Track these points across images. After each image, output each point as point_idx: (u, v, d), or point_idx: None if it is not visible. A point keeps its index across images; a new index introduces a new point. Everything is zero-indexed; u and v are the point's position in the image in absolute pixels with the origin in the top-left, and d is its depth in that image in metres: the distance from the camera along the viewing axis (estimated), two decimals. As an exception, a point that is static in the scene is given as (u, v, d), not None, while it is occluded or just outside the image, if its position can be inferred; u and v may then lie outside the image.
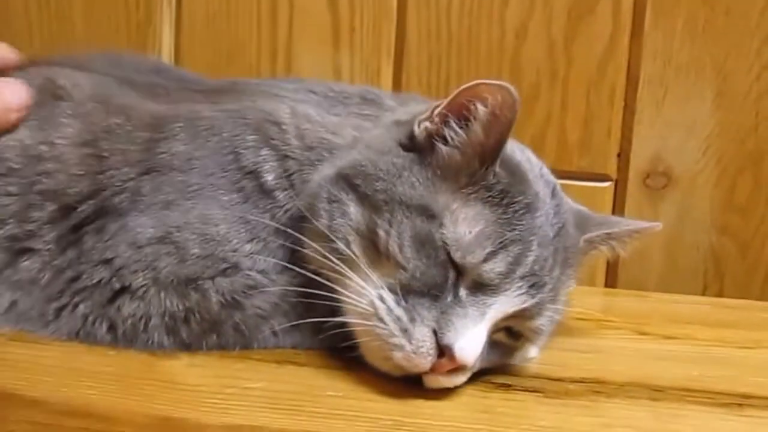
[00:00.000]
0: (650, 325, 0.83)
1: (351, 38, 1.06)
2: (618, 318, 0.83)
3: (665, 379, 0.67)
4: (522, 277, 0.62)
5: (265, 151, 0.70)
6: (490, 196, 0.63)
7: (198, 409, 0.56)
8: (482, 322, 0.61)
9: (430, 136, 0.65)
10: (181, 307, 0.65)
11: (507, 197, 0.63)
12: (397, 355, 0.60)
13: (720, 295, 1.05)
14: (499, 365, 0.66)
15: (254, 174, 0.69)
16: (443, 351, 0.59)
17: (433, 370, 0.60)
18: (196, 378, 0.62)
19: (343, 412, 0.57)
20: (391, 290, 0.61)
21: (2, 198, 0.69)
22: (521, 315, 0.64)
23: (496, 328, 0.63)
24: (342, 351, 0.65)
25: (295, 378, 0.63)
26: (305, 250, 0.66)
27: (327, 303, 0.64)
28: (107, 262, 0.66)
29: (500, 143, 0.63)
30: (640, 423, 0.59)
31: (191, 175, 0.68)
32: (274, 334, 0.67)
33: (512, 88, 0.61)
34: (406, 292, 0.61)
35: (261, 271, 0.67)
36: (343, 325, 0.63)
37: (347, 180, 0.65)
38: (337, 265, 0.63)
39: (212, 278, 0.65)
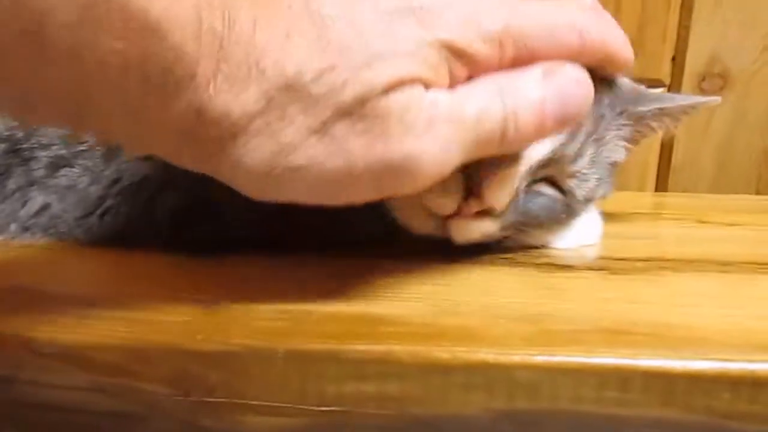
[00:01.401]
0: (710, 215, 0.80)
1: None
2: (675, 210, 0.80)
3: (733, 255, 0.64)
4: None
5: None
6: None
7: (248, 296, 0.54)
8: (516, 164, 0.57)
9: None
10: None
11: None
12: (425, 196, 0.57)
13: (774, 200, 1.02)
14: (548, 227, 0.64)
15: None
16: (472, 190, 0.56)
17: (459, 211, 0.57)
18: (245, 270, 0.60)
19: (399, 293, 0.55)
20: None
21: None
22: (560, 159, 0.60)
23: (535, 177, 0.60)
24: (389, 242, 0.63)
25: (346, 268, 0.61)
26: None
27: None
28: (147, 158, 0.64)
29: None
30: (710, 291, 0.57)
31: None
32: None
33: None
34: None
35: None
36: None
37: None
38: None
39: None
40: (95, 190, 0.66)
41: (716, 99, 0.70)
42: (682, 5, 1.00)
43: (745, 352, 0.46)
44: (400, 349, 0.47)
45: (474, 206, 0.57)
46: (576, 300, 0.54)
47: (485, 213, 0.58)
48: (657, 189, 1.04)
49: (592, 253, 0.65)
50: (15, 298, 0.55)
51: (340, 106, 0.45)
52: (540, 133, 0.51)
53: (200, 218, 0.63)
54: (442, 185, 0.56)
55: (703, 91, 1.02)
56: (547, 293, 0.56)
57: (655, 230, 0.73)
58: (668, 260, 0.63)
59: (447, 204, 0.57)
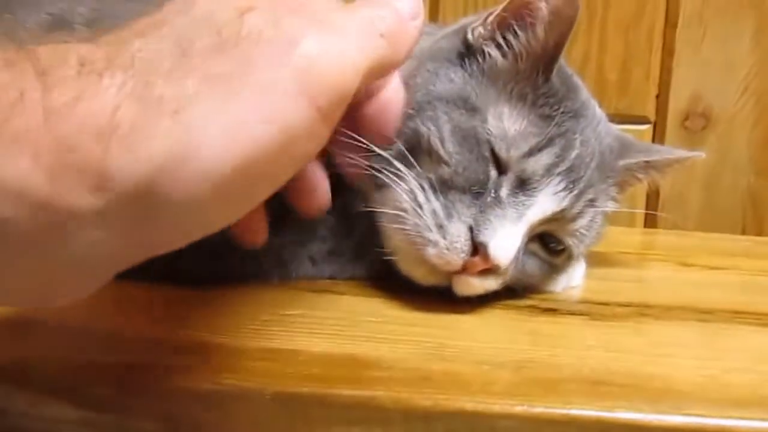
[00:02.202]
0: (694, 257, 0.81)
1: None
2: (660, 251, 0.82)
3: (713, 302, 0.66)
4: (562, 173, 0.61)
5: None
6: (536, 98, 0.62)
7: (235, 334, 0.55)
8: (520, 224, 0.60)
9: (484, 43, 0.64)
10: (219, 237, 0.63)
11: (554, 100, 0.63)
12: (430, 252, 0.58)
13: (759, 236, 1.04)
14: (539, 284, 0.66)
15: None
16: (477, 249, 0.58)
17: (465, 269, 0.58)
18: (234, 306, 0.60)
19: (384, 335, 0.56)
20: (431, 185, 0.59)
21: None
22: (560, 217, 0.63)
23: (534, 234, 0.62)
24: (380, 279, 0.64)
25: (333, 305, 0.61)
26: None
27: (365, 222, 0.63)
28: None
29: (561, 45, 0.62)
30: (689, 341, 0.58)
31: None
32: (312, 261, 0.66)
33: None
34: (446, 188, 0.59)
35: None
36: (381, 250, 0.62)
37: None
38: (373, 170, 0.60)
39: None
40: None
41: (700, 154, 0.73)
42: (664, 47, 1.03)
43: (721, 408, 0.47)
44: (383, 395, 0.48)
45: (480, 264, 0.58)
46: (557, 346, 0.56)
47: (490, 271, 0.59)
48: (646, 224, 1.05)
49: (574, 296, 0.67)
50: (6, 331, 0.55)
51: None
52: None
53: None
54: (449, 242, 0.58)
55: (686, 129, 1.04)
56: (530, 338, 0.57)
57: (638, 272, 0.75)
58: (649, 306, 0.64)
59: (454, 262, 0.58)
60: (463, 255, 0.58)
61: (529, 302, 0.64)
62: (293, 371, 0.50)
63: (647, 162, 0.71)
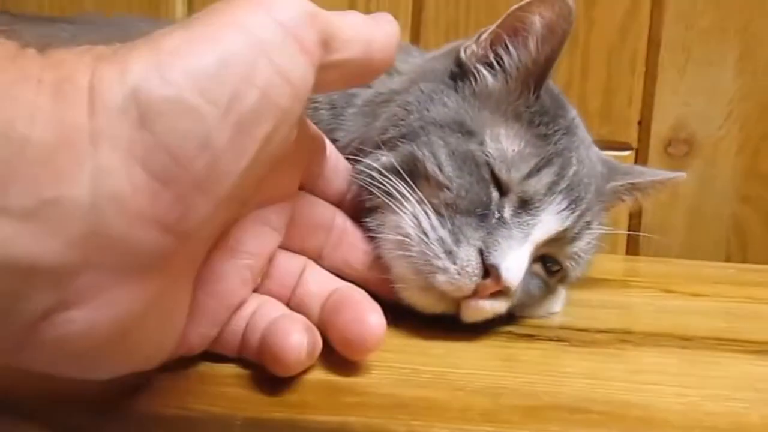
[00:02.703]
0: (676, 284, 0.80)
1: (367, 3, 1.04)
2: (643, 278, 0.81)
3: (694, 329, 0.65)
4: (563, 191, 0.62)
5: None
6: (530, 117, 0.63)
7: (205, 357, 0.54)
8: (526, 244, 0.59)
9: (476, 62, 0.65)
10: None
11: (547, 117, 0.63)
12: (440, 279, 0.57)
13: (743, 263, 1.03)
14: (537, 306, 0.65)
15: None
16: (488, 271, 0.57)
17: (476, 293, 0.57)
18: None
19: (359, 361, 0.55)
20: (435, 210, 0.59)
21: None
22: (561, 238, 0.63)
23: (536, 255, 0.62)
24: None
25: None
26: None
27: None
28: None
29: (552, 59, 0.63)
30: (669, 369, 0.57)
31: None
32: None
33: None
34: (451, 211, 0.59)
35: None
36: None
37: (376, 146, 0.63)
38: (372, 198, 0.61)
39: None
40: None
41: (681, 175, 0.73)
42: (647, 73, 1.02)
43: (699, 437, 0.46)
44: (357, 421, 0.47)
45: (491, 287, 0.58)
46: (535, 373, 0.55)
47: (500, 293, 0.58)
48: (628, 252, 1.05)
49: (553, 322, 0.66)
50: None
51: None
52: None
53: None
54: (460, 266, 0.57)
55: (669, 156, 1.04)
56: (506, 365, 0.56)
57: (620, 299, 0.74)
58: (630, 333, 0.63)
59: (466, 287, 0.57)
60: (475, 279, 0.57)
61: (506, 327, 0.62)
62: (264, 396, 0.49)
63: (632, 184, 0.71)
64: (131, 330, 0.41)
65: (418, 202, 0.59)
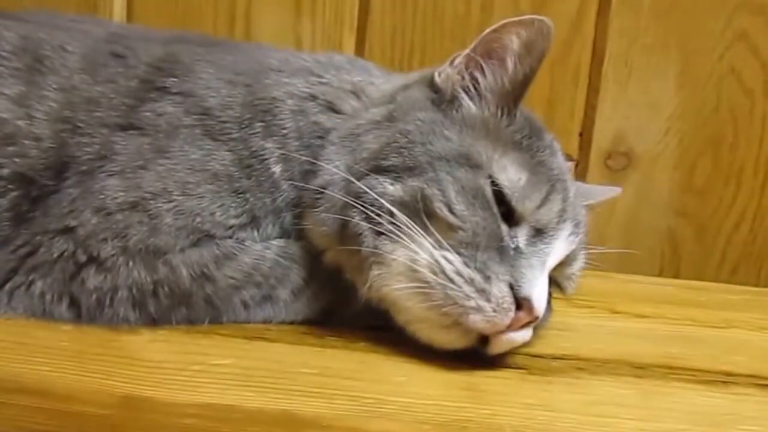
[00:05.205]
0: (621, 303, 0.82)
1: (313, 6, 1.02)
2: (587, 296, 0.82)
3: (646, 356, 0.66)
4: (569, 218, 0.62)
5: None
6: (520, 140, 0.63)
7: (164, 386, 0.53)
8: (545, 271, 0.60)
9: (453, 87, 0.64)
10: (149, 280, 0.61)
11: (533, 139, 0.64)
12: (475, 319, 0.57)
13: (676, 277, 1.05)
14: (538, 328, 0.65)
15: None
16: (520, 304, 0.57)
17: (510, 326, 0.57)
18: (159, 354, 0.58)
19: (320, 390, 0.54)
20: (456, 251, 0.58)
21: None
22: (563, 262, 0.63)
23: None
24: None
25: (266, 354, 0.60)
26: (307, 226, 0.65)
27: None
28: (69, 231, 0.61)
29: (530, 78, 0.63)
30: (626, 401, 0.58)
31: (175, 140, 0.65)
32: (245, 306, 0.64)
33: (547, 19, 0.61)
34: (472, 250, 0.58)
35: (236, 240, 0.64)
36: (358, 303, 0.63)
37: (376, 169, 0.62)
38: (377, 238, 0.60)
39: (182, 250, 0.61)
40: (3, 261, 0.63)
41: (617, 189, 0.78)
42: (589, 85, 1.03)
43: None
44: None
45: (525, 319, 0.58)
46: (498, 404, 0.55)
47: (530, 323, 0.59)
48: (563, 263, 1.05)
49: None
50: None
51: None
52: None
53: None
54: (496, 304, 0.56)
55: (608, 168, 1.05)
56: (469, 395, 0.56)
57: (567, 320, 0.74)
58: (583, 359, 0.64)
59: (502, 323, 0.57)
60: (511, 314, 0.57)
61: (464, 352, 0.62)
62: (229, 430, 0.48)
63: (588, 205, 0.72)
64: None
65: (436, 246, 0.58)
